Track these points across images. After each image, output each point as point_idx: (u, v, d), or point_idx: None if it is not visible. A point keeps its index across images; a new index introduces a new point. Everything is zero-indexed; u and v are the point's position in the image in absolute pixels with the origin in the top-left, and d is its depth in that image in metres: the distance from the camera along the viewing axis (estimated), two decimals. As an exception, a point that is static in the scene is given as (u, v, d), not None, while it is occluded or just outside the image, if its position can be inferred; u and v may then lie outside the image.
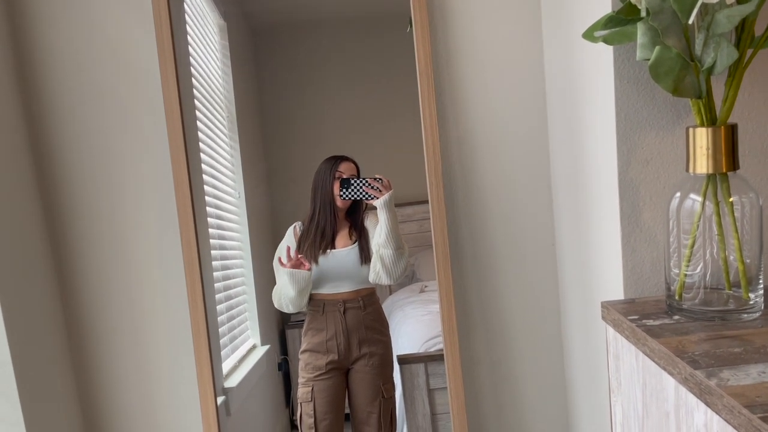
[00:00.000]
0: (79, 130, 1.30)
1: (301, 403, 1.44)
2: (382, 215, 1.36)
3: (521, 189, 1.36)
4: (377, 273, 1.38)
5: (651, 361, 0.78)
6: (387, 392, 1.45)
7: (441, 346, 1.52)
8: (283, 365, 1.62)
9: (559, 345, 1.41)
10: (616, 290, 0.97)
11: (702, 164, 0.80)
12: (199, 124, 1.41)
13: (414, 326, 1.56)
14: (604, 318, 0.91)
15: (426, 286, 1.64)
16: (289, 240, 1.42)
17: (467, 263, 1.40)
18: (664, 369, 0.74)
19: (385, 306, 1.59)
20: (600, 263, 1.06)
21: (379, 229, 1.37)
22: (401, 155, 1.54)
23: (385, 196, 1.36)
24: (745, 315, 0.81)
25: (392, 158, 1.55)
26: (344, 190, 1.37)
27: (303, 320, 1.48)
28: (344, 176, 1.38)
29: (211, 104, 1.49)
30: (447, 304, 1.35)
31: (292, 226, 1.43)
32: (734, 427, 0.61)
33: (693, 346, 0.74)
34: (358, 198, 1.37)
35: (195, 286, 1.30)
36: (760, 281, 0.82)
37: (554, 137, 1.30)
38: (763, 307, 0.82)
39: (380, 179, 1.37)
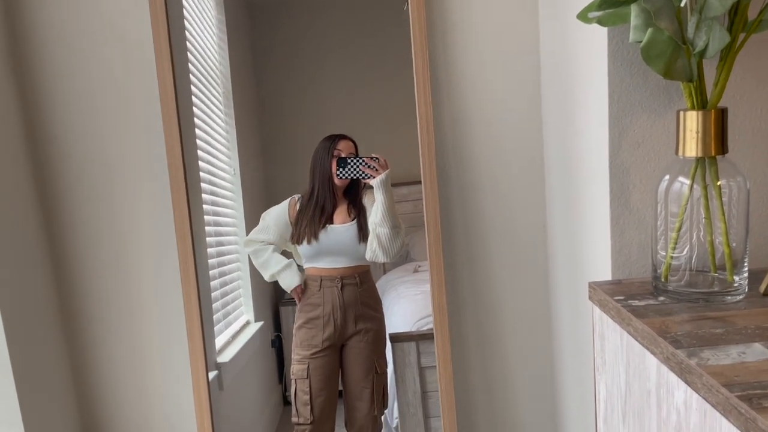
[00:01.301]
0: (70, 102, 1.30)
1: (296, 380, 1.46)
2: (378, 194, 1.37)
3: (514, 168, 1.36)
4: (374, 251, 1.40)
5: (635, 340, 0.79)
6: (380, 367, 1.47)
7: (432, 325, 1.55)
8: (277, 342, 1.64)
9: (548, 324, 1.43)
10: (603, 271, 0.99)
11: (691, 147, 0.80)
12: (194, 99, 1.41)
13: (406, 305, 1.58)
14: (590, 298, 0.92)
15: (419, 266, 1.66)
16: (283, 209, 1.44)
17: (459, 241, 1.41)
18: (647, 348, 0.75)
19: (379, 285, 1.61)
20: (589, 244, 1.07)
21: (375, 208, 1.38)
22: (397, 134, 1.54)
23: (382, 176, 1.37)
24: (729, 297, 0.82)
25: (388, 137, 1.55)
26: (341, 170, 1.38)
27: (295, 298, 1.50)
28: (342, 155, 1.39)
29: (206, 79, 1.48)
30: (437, 280, 1.37)
31: (291, 198, 1.44)
32: (712, 405, 0.62)
33: (676, 326, 0.75)
34: (355, 177, 1.38)
35: (187, 260, 1.31)
36: (745, 264, 0.83)
37: (547, 117, 1.30)
38: (747, 290, 0.83)
39: (377, 158, 1.37)
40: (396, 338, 1.52)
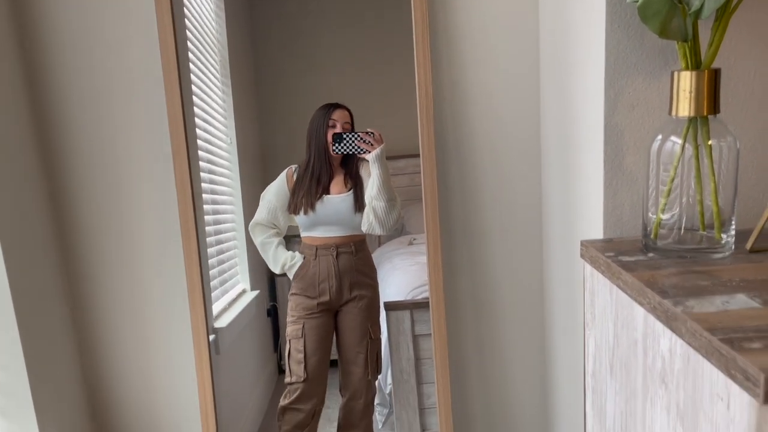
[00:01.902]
0: (71, 70, 1.30)
1: (290, 340, 1.48)
2: (374, 168, 1.39)
3: (511, 130, 1.38)
4: (370, 223, 1.42)
5: (623, 293, 0.81)
6: (374, 334, 1.50)
7: (427, 294, 1.57)
8: (272, 311, 1.66)
9: (540, 283, 1.45)
10: (596, 231, 1.01)
11: (684, 107, 0.82)
12: (192, 67, 1.41)
13: (401, 276, 1.60)
14: (582, 255, 0.94)
15: (415, 239, 1.68)
16: (281, 181, 1.46)
17: (455, 203, 1.43)
18: (635, 300, 0.78)
19: (374, 257, 1.63)
20: (582, 204, 1.09)
21: (371, 182, 1.40)
22: (395, 106, 1.55)
23: (377, 150, 1.38)
24: (716, 254, 0.84)
25: (386, 110, 1.56)
26: (336, 145, 1.39)
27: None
28: (337, 124, 1.40)
29: (204, 48, 1.48)
30: (433, 240, 1.38)
31: (287, 169, 1.46)
32: (695, 349, 0.65)
33: (663, 279, 0.77)
34: (351, 152, 1.40)
35: (188, 220, 1.33)
36: (733, 223, 0.85)
37: (545, 78, 1.31)
38: (733, 248, 0.85)
39: (372, 133, 1.39)
40: (391, 306, 1.55)
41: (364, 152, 1.39)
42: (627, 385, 0.83)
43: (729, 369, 0.59)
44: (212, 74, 1.52)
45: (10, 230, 1.14)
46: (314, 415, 1.51)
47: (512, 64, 1.34)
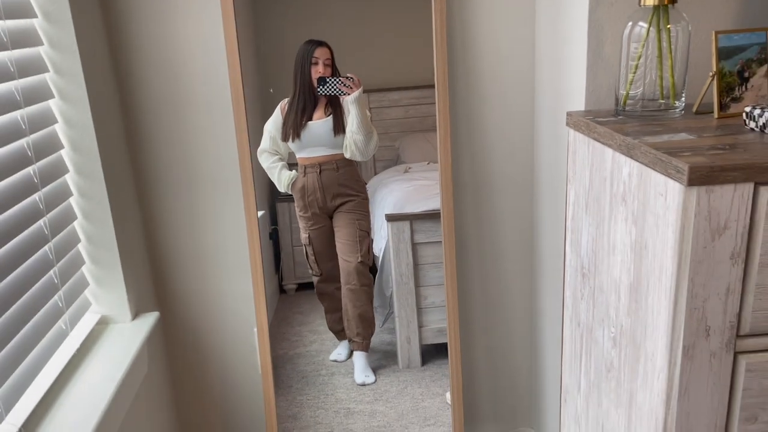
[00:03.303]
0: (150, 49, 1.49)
1: (304, 245, 1.77)
2: (353, 108, 1.61)
3: (507, 32, 1.54)
4: (352, 152, 1.66)
5: (597, 143, 1.06)
6: (362, 227, 1.75)
7: (425, 208, 1.78)
8: (274, 235, 1.86)
9: (531, 152, 1.63)
10: (579, 107, 1.25)
11: (650, -3, 1.05)
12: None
13: (399, 194, 1.80)
14: (567, 123, 1.19)
15: (410, 168, 1.87)
16: (277, 115, 1.67)
17: (459, 93, 1.59)
18: (606, 144, 1.03)
19: (371, 185, 1.82)
20: (568, 87, 1.33)
21: (350, 119, 1.63)
22: (389, 41, 1.72)
23: (355, 93, 1.61)
24: (671, 115, 1.09)
25: (380, 44, 1.73)
26: (321, 87, 1.60)
27: (291, 195, 1.74)
28: (320, 61, 1.60)
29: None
30: (444, 160, 1.58)
31: (281, 102, 1.67)
32: (646, 165, 0.90)
33: (628, 128, 1.02)
34: (333, 94, 1.62)
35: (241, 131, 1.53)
36: (684, 92, 1.10)
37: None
38: (683, 111, 1.10)
39: (352, 78, 1.60)
40: (392, 218, 1.76)
41: (345, 94, 1.61)
42: (597, 214, 1.09)
43: (667, 170, 0.84)
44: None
45: (109, 161, 1.39)
46: (338, 290, 1.79)
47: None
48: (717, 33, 1.04)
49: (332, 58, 1.62)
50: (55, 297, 1.21)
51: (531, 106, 1.59)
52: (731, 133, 0.96)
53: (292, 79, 1.63)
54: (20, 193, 1.12)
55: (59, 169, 1.28)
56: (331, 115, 1.65)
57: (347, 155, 1.67)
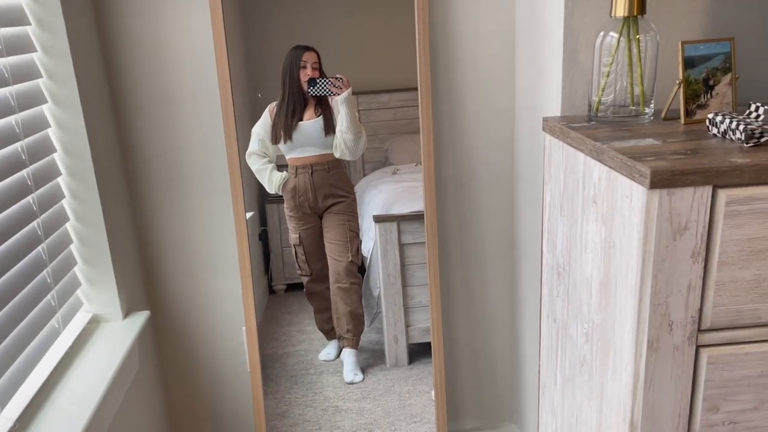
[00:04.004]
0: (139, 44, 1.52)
1: (293, 246, 1.80)
2: (342, 108, 1.66)
3: (489, 38, 1.59)
4: (342, 151, 1.70)
5: (570, 147, 1.11)
6: (352, 228, 1.79)
7: (413, 209, 1.83)
8: (263, 236, 1.87)
9: (511, 154, 1.68)
10: (555, 112, 1.30)
11: (621, 8, 1.10)
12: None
13: (387, 195, 1.83)
14: (543, 128, 1.24)
15: (398, 170, 1.90)
16: (266, 118, 1.71)
17: (443, 96, 1.65)
18: (578, 149, 1.08)
19: (359, 186, 1.85)
20: (546, 92, 1.37)
21: (340, 119, 1.67)
22: (378, 44, 1.76)
23: (345, 93, 1.65)
24: (640, 120, 1.14)
25: (369, 47, 1.77)
26: (311, 88, 1.65)
27: (280, 196, 1.77)
28: (308, 64, 1.65)
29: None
30: (428, 160, 1.63)
31: (269, 106, 1.70)
32: (613, 168, 0.95)
33: (599, 133, 1.07)
34: (323, 94, 1.66)
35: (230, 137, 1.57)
36: (653, 100, 1.15)
37: None
38: (652, 117, 1.15)
39: (341, 78, 1.65)
40: (380, 219, 1.79)
41: (334, 94, 1.66)
42: (571, 215, 1.14)
43: (632, 174, 0.89)
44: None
45: (101, 164, 1.42)
46: (328, 289, 1.83)
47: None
48: (683, 43, 1.09)
49: (319, 62, 1.67)
50: (48, 296, 1.25)
51: (512, 110, 1.64)
52: (695, 138, 1.01)
53: (280, 82, 1.68)
54: (15, 196, 1.15)
55: (52, 172, 1.32)
56: (322, 116, 1.69)
57: (337, 154, 1.71)
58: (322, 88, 1.65)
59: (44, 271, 1.23)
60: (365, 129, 1.72)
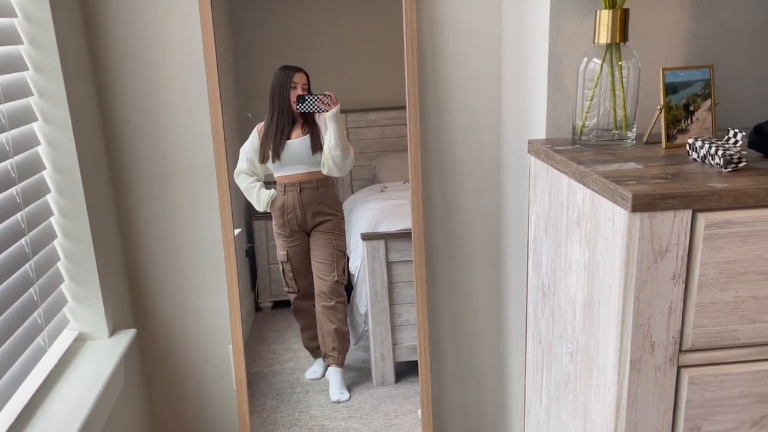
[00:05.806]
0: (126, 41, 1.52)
1: (281, 263, 1.82)
2: (330, 125, 1.68)
3: (476, 60, 1.62)
4: (330, 168, 1.72)
5: (555, 170, 1.14)
6: (339, 247, 1.80)
7: (400, 227, 1.85)
8: (250, 252, 1.89)
9: (498, 175, 1.71)
10: (540, 135, 1.32)
11: (603, 36, 1.13)
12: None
13: (375, 213, 1.85)
14: (529, 151, 1.26)
15: (386, 187, 1.91)
16: (254, 137, 1.73)
17: (431, 116, 1.67)
18: (562, 171, 1.10)
19: (347, 204, 1.87)
20: (531, 115, 1.40)
21: (328, 136, 1.69)
22: (366, 63, 1.79)
23: (333, 110, 1.68)
24: (622, 145, 1.17)
25: (358, 66, 1.79)
26: (300, 104, 1.67)
27: (268, 213, 1.78)
28: (298, 86, 1.68)
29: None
30: (413, 132, 1.62)
31: (257, 126, 1.73)
32: (596, 192, 0.97)
33: (582, 157, 1.10)
34: (311, 111, 1.68)
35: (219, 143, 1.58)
36: (635, 124, 1.18)
37: (506, 22, 1.58)
38: (635, 141, 1.18)
39: (329, 95, 1.67)
40: (367, 237, 1.80)
41: (322, 111, 1.68)
42: (555, 236, 1.16)
43: (614, 197, 0.92)
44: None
45: (90, 183, 1.43)
46: (313, 306, 1.83)
47: (478, 8, 1.61)
48: (664, 69, 1.13)
49: (308, 83, 1.69)
50: (35, 314, 1.24)
51: (498, 131, 1.67)
52: (675, 162, 1.04)
53: (269, 102, 1.69)
54: (3, 213, 1.15)
55: (41, 190, 1.32)
56: (309, 134, 1.71)
57: (325, 171, 1.72)
58: (311, 104, 1.66)
59: (31, 289, 1.23)
60: (353, 147, 1.74)
